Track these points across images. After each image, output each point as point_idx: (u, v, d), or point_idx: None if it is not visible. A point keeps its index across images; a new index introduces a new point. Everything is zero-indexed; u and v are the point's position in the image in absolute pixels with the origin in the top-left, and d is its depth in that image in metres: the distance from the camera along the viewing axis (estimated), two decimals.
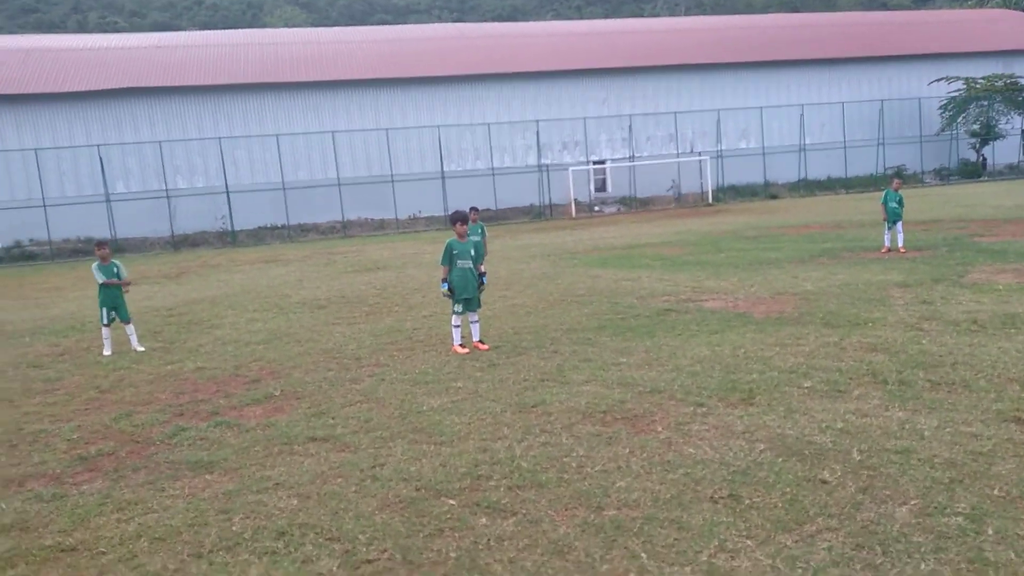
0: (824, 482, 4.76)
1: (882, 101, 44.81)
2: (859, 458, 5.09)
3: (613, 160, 42.43)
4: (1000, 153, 45.95)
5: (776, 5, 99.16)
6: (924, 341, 8.00)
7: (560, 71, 41.79)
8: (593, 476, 5.04)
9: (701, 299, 11.38)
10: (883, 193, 15.79)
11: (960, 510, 4.29)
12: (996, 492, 4.48)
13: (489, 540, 4.25)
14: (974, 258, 13.53)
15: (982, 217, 20.90)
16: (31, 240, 34.10)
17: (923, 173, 44.66)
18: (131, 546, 4.40)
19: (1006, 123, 44.30)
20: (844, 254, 15.49)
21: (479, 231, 15.04)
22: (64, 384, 8.63)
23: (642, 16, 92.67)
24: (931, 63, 45.90)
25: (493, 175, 39.58)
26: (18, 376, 9.23)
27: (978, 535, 4.00)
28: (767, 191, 41.81)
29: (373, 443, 5.91)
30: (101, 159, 35.01)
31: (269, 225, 36.81)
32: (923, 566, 3.72)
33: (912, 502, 4.43)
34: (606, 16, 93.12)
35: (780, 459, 5.15)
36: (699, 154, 42.24)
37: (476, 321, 9.17)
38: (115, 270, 10.81)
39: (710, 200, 40.01)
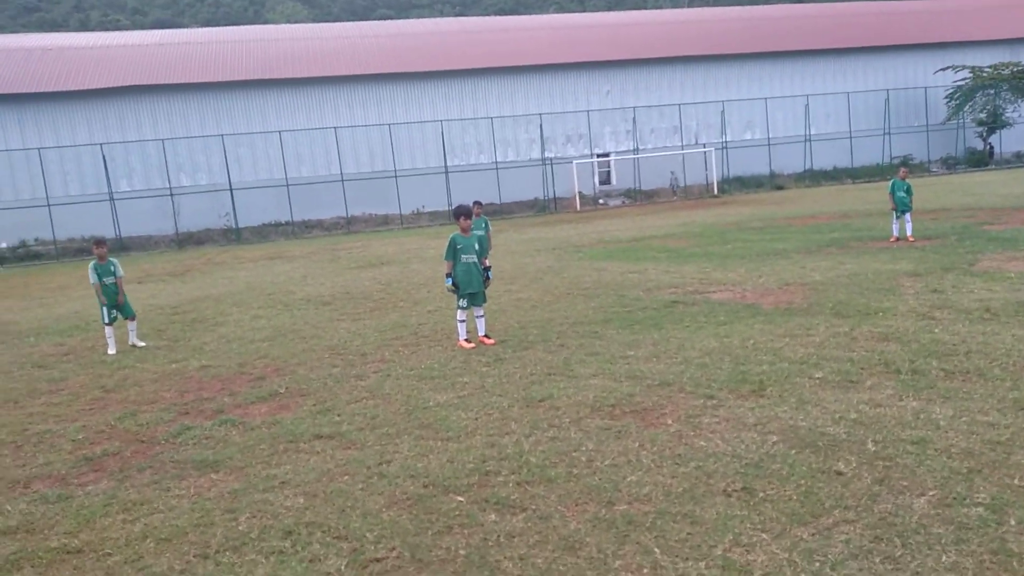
0: (839, 474, 4.68)
1: (888, 91, 44.55)
2: (874, 449, 5.01)
3: (617, 153, 42.27)
4: (1007, 141, 45.67)
5: None
6: (936, 330, 7.90)
7: (563, 64, 41.66)
8: (603, 470, 4.97)
9: (708, 291, 11.28)
10: (890, 183, 15.67)
11: (980, 500, 4.20)
12: (1016, 482, 4.39)
13: (499, 537, 4.17)
14: (984, 246, 13.40)
15: (990, 205, 20.73)
16: (36, 240, 34.14)
17: (929, 162, 44.41)
18: (137, 547, 4.34)
19: (1013, 111, 44.01)
20: (852, 244, 15.36)
21: (483, 225, 14.92)
22: (69, 384, 8.58)
23: (645, 8, 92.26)
24: (937, 52, 45.61)
25: (497, 169, 39.48)
26: (23, 376, 9.19)
27: (1000, 526, 3.91)
28: (773, 182, 41.63)
29: (379, 440, 5.84)
30: (104, 158, 34.99)
31: (273, 222, 36.79)
32: (944, 558, 3.63)
33: (930, 493, 4.34)
34: (609, 9, 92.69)
35: (793, 451, 5.06)
36: (704, 146, 42.06)
37: (482, 316, 9.09)
38: (112, 268, 10.69)
39: (715, 192, 39.84)
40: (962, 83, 43.48)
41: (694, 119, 43.06)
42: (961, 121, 44.23)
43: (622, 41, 43.89)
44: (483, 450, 5.46)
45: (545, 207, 39.19)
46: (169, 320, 12.58)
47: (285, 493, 4.94)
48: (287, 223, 36.56)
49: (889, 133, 43.99)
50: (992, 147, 45.74)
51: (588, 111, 41.51)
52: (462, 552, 4.01)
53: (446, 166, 38.90)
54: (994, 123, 43.89)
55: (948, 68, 43.86)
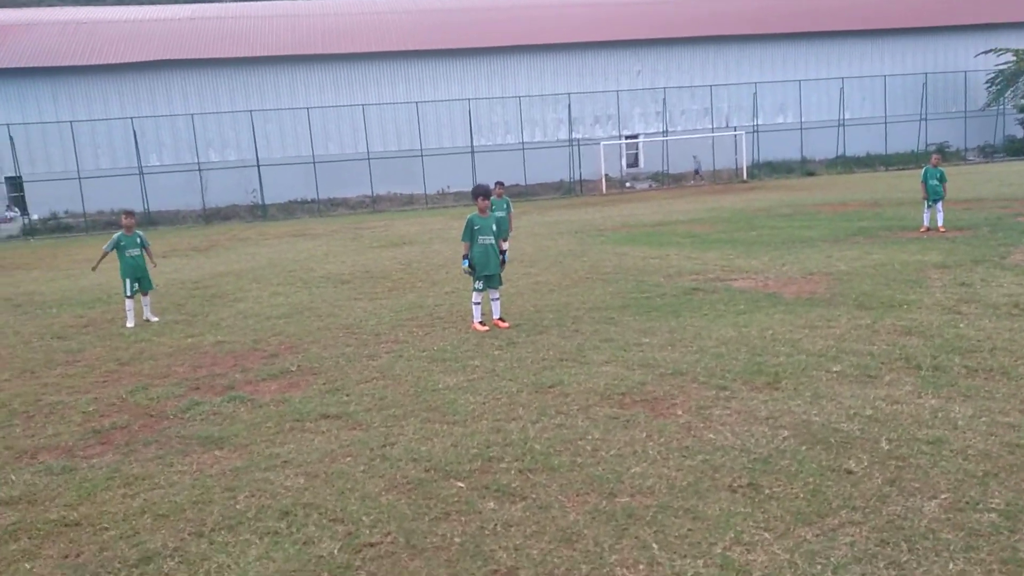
0: (849, 472, 4.55)
1: (926, 74, 43.45)
2: (888, 448, 4.86)
3: (646, 135, 41.80)
4: None
5: None
6: (961, 325, 7.68)
7: (593, 43, 41.16)
8: (607, 461, 4.88)
9: (730, 278, 11.10)
10: (922, 170, 15.26)
11: (994, 506, 4.05)
12: None
13: (496, 526, 4.12)
14: (1017, 239, 13.02)
15: None
16: (66, 212, 34.65)
17: (966, 150, 43.37)
18: (134, 522, 4.34)
19: None
20: (881, 233, 15.03)
21: (504, 206, 14.85)
22: (85, 356, 8.67)
23: None
24: (979, 34, 44.30)
25: (523, 149, 39.23)
26: (42, 347, 9.31)
27: (1012, 533, 3.77)
28: (804, 168, 40.93)
29: (385, 421, 5.81)
30: (135, 131, 35.32)
31: (299, 199, 36.96)
32: (951, 566, 3.51)
33: (942, 496, 4.20)
34: None
35: (804, 447, 4.94)
36: (734, 129, 41.42)
37: (497, 299, 9.01)
38: (138, 240, 10.80)
39: (745, 177, 39.27)
40: (1004, 67, 42.24)
41: (725, 101, 42.39)
42: (1001, 107, 43.04)
43: (653, 20, 43.22)
44: (488, 435, 5.40)
45: (571, 189, 38.91)
46: (189, 294, 12.67)
47: (286, 473, 4.93)
48: (313, 201, 36.71)
49: (926, 119, 42.96)
50: None
51: (617, 91, 41.02)
52: (457, 540, 3.96)
53: (472, 146, 38.74)
54: None
55: (990, 51, 42.61)
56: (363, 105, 37.94)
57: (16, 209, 34.86)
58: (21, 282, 16.07)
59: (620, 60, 41.71)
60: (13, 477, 5.13)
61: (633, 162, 42.39)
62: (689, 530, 3.97)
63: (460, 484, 4.64)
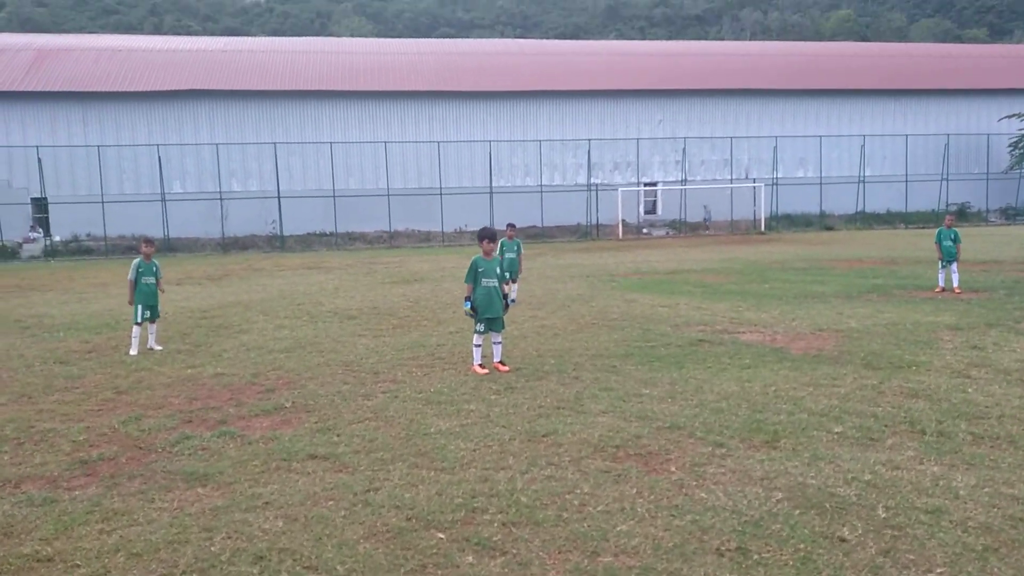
0: (843, 540, 4.40)
1: (948, 135, 43.43)
2: (884, 515, 4.71)
3: (665, 183, 41.93)
4: None
5: (845, 33, 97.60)
6: (970, 389, 7.50)
7: (616, 91, 41.57)
8: (594, 517, 4.76)
9: (738, 331, 10.97)
10: (936, 231, 15.19)
11: None
12: None
13: None
14: None
15: None
16: (88, 235, 35.13)
17: (988, 211, 43.11)
18: (107, 560, 4.26)
19: None
20: (895, 291, 14.86)
21: (515, 248, 14.87)
22: (84, 382, 8.66)
23: (706, 39, 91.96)
24: (1002, 98, 44.37)
25: (541, 192, 39.44)
26: (43, 371, 9.31)
27: None
28: (823, 222, 40.80)
29: (372, 465, 5.72)
30: (160, 158, 35.90)
31: (318, 232, 37.27)
32: None
33: (938, 570, 4.04)
34: (669, 38, 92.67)
35: (797, 511, 4.79)
36: (754, 181, 41.45)
37: (499, 342, 8.93)
38: (154, 269, 10.89)
39: (763, 228, 39.17)
40: None
41: (746, 153, 42.53)
42: None
43: (677, 71, 43.67)
44: (474, 484, 5.29)
45: (587, 233, 38.97)
46: (196, 324, 12.69)
47: (266, 515, 4.84)
48: (331, 234, 37.00)
49: (947, 179, 42.82)
50: None
51: (638, 139, 41.30)
52: None
53: (491, 187, 39.01)
54: None
55: (1013, 116, 42.60)
56: (385, 142, 38.42)
57: (40, 230, 35.40)
58: (34, 304, 16.21)
59: (642, 109, 42.07)
60: None
61: (651, 209, 42.47)
62: None
63: (441, 535, 4.53)
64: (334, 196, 37.31)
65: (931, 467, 5.51)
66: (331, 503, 5.01)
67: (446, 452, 5.96)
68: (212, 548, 4.38)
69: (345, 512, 4.86)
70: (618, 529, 4.58)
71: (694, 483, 5.29)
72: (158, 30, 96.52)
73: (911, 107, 44.42)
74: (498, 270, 8.83)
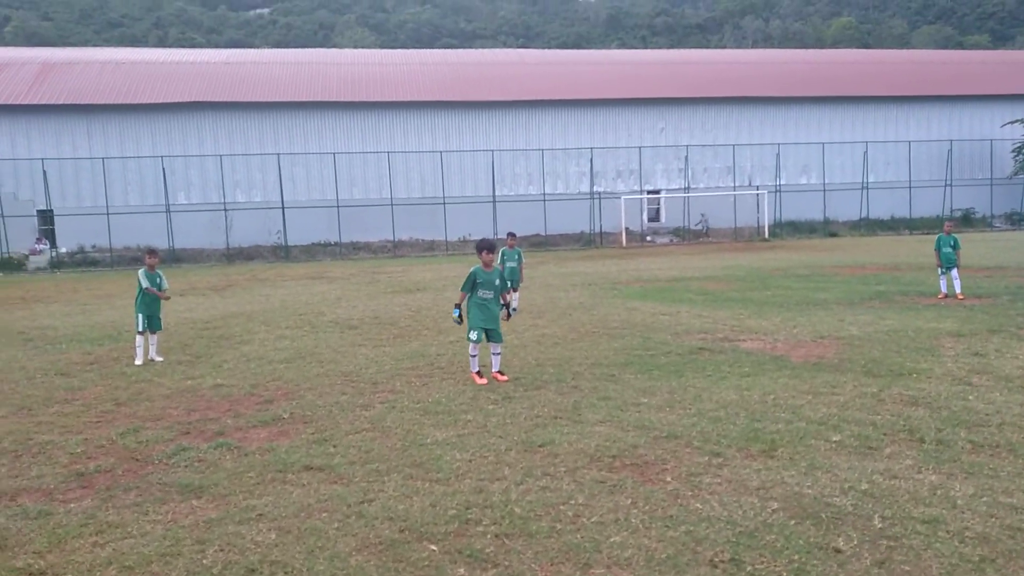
0: (838, 551, 4.37)
1: (951, 141, 43.36)
2: (880, 526, 4.68)
3: (668, 190, 41.93)
4: None
5: (847, 40, 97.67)
6: (971, 397, 7.47)
7: (618, 99, 41.63)
8: (588, 528, 4.74)
9: (738, 339, 10.94)
10: (936, 238, 15.15)
11: None
12: None
13: None
14: None
15: None
16: (93, 246, 35.25)
17: (992, 217, 42.96)
18: (99, 574, 4.26)
19: None
20: (897, 298, 14.81)
21: (516, 257, 14.88)
22: (84, 394, 8.67)
23: (708, 47, 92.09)
24: (1006, 104, 44.29)
25: (544, 201, 39.47)
26: (44, 384, 9.33)
27: None
28: (826, 228, 40.73)
29: (367, 476, 5.71)
30: (164, 170, 36.06)
31: (322, 242, 37.34)
32: None
33: None
34: (671, 46, 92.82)
35: (793, 521, 4.77)
36: (757, 188, 41.42)
37: (498, 353, 8.91)
38: (158, 280, 11.00)
39: (766, 235, 39.11)
40: None
41: (748, 160, 42.51)
42: None
43: (679, 79, 43.72)
44: (469, 495, 5.28)
45: (591, 241, 38.97)
46: (198, 335, 12.71)
47: (259, 527, 4.83)
48: (335, 244, 37.07)
49: (951, 185, 42.71)
50: None
51: (640, 147, 41.34)
52: None
53: (494, 195, 39.06)
54: None
55: (1016, 122, 42.50)
56: (388, 152, 38.53)
57: (46, 241, 35.56)
58: (38, 316, 16.26)
59: (644, 117, 42.11)
60: None
61: (654, 216, 42.46)
62: None
63: (433, 547, 4.52)
64: (338, 206, 37.40)
65: (929, 476, 5.48)
66: (324, 515, 5.00)
67: (441, 463, 5.95)
68: (204, 561, 4.38)
69: (338, 524, 4.85)
70: (611, 540, 4.57)
71: (689, 493, 5.28)
72: (163, 43, 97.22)
73: (914, 113, 44.37)
74: (497, 281, 8.79)
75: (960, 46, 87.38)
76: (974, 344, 10.05)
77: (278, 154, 37.29)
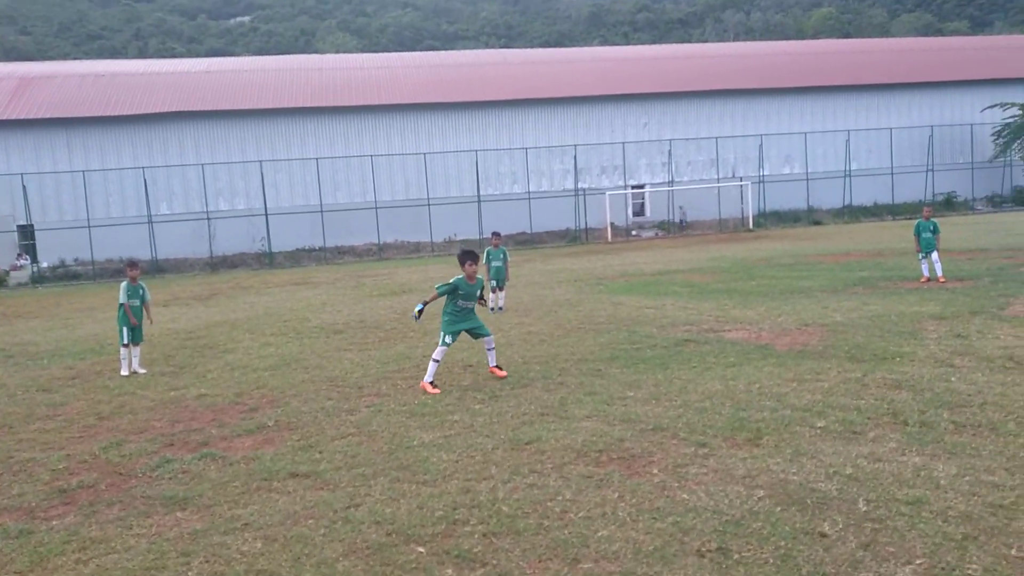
0: (823, 535, 4.39)
1: (932, 127, 43.64)
2: (865, 509, 4.70)
3: (652, 185, 42.01)
4: None
5: (827, 31, 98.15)
6: (953, 379, 7.51)
7: (600, 96, 41.67)
8: (575, 523, 4.73)
9: (723, 329, 10.97)
10: (915, 224, 15.29)
11: (971, 572, 3.90)
12: (1014, 552, 4.07)
13: None
14: (1018, 289, 12.86)
15: None
16: (75, 260, 34.97)
17: (974, 200, 43.30)
18: None
19: None
20: (881, 283, 14.90)
21: (501, 256, 14.88)
22: (66, 409, 8.59)
23: (689, 41, 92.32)
24: (985, 89, 44.59)
25: (529, 199, 39.47)
26: (25, 400, 9.24)
27: None
28: (810, 217, 40.93)
29: (354, 481, 5.68)
30: (146, 181, 35.82)
31: (307, 247, 37.19)
32: None
33: (918, 561, 4.04)
34: (653, 42, 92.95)
35: (779, 508, 4.78)
36: (740, 179, 41.57)
37: (492, 348, 8.86)
38: (141, 292, 10.96)
39: (750, 226, 39.26)
40: (1011, 120, 42.40)
41: (731, 152, 42.64)
42: (1009, 159, 43.08)
43: (661, 74, 43.80)
44: (456, 496, 5.27)
45: (576, 237, 39.01)
46: (181, 345, 12.63)
47: (245, 536, 4.80)
48: (320, 249, 36.94)
49: (933, 170, 43.00)
50: None
51: (624, 143, 41.38)
52: None
53: (479, 195, 39.02)
54: None
55: (996, 106, 42.81)
56: (372, 156, 38.41)
57: (27, 257, 35.24)
58: (19, 331, 16.11)
59: (627, 113, 42.17)
60: None
61: (639, 211, 42.53)
62: None
63: (420, 549, 4.50)
64: (322, 211, 37.27)
65: (913, 458, 5.51)
66: (311, 521, 4.97)
67: (428, 465, 5.93)
68: (189, 573, 4.35)
69: (325, 530, 4.83)
70: (599, 534, 4.56)
71: (676, 484, 5.28)
72: (143, 54, 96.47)
73: (895, 101, 44.61)
74: (478, 292, 8.65)
75: (940, 33, 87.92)
76: (956, 326, 10.12)
77: (260, 161, 37.12)
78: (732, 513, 4.76)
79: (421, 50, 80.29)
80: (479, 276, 8.76)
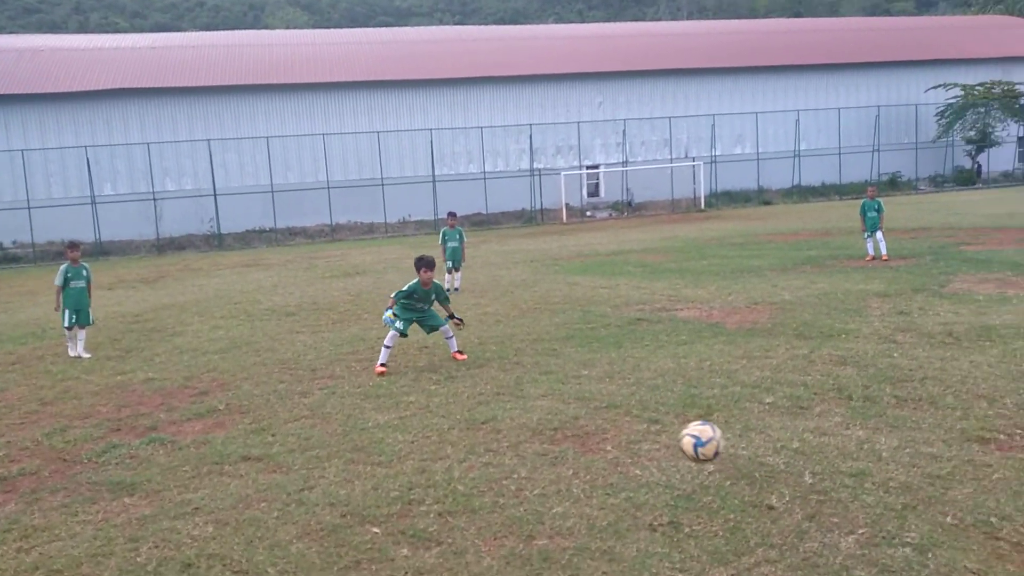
0: (771, 508, 4.51)
1: (879, 107, 44.57)
2: (811, 481, 4.84)
3: (607, 165, 42.19)
4: (995, 161, 45.75)
5: (779, 10, 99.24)
6: (896, 354, 7.74)
7: (555, 75, 41.56)
8: (530, 501, 4.78)
9: (675, 308, 11.12)
10: (860, 204, 15.68)
11: (909, 540, 4.04)
12: (949, 520, 4.23)
13: (407, 573, 3.98)
14: (958, 267, 13.28)
15: (971, 225, 20.66)
16: (14, 242, 33.85)
17: (917, 180, 44.44)
18: None
19: (1002, 130, 44.08)
20: (828, 262, 15.23)
21: (457, 237, 14.82)
22: (6, 396, 8.33)
23: (644, 20, 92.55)
24: (929, 69, 45.65)
25: (485, 179, 39.33)
26: None
27: (923, 568, 3.75)
28: (761, 197, 41.58)
29: (307, 463, 5.64)
30: (88, 161, 34.73)
31: (257, 228, 36.52)
32: None
33: (860, 531, 4.17)
34: (608, 20, 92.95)
35: (728, 482, 4.89)
36: (693, 159, 42.00)
37: (451, 336, 8.79)
38: (83, 272, 10.70)
39: (702, 206, 39.75)
40: (953, 101, 43.52)
41: (684, 132, 43.00)
42: (951, 139, 44.27)
43: (615, 53, 43.85)
44: (411, 476, 5.27)
45: (532, 218, 39.04)
46: (128, 328, 12.34)
47: (195, 521, 4.73)
48: (271, 230, 36.30)
49: (879, 150, 43.98)
50: (980, 166, 45.82)
51: (579, 122, 41.43)
52: None
53: (434, 175, 38.74)
54: (983, 142, 43.94)
55: (939, 86, 43.90)
56: (324, 134, 37.79)
57: None
58: None
59: (582, 92, 42.16)
60: None
61: (594, 191, 42.71)
62: (604, 573, 3.88)
63: (376, 530, 4.50)
64: (272, 191, 36.60)
65: (856, 431, 5.67)
66: (264, 504, 4.93)
67: (383, 446, 5.91)
68: (138, 559, 4.28)
69: (278, 513, 4.79)
70: (554, 511, 4.61)
71: (629, 461, 5.36)
72: (83, 28, 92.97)
73: (843, 81, 45.41)
74: (433, 296, 8.55)
75: (887, 13, 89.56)
76: (899, 303, 10.41)
77: (208, 140, 36.23)
78: (683, 488, 4.85)
79: (374, 26, 79.03)
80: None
